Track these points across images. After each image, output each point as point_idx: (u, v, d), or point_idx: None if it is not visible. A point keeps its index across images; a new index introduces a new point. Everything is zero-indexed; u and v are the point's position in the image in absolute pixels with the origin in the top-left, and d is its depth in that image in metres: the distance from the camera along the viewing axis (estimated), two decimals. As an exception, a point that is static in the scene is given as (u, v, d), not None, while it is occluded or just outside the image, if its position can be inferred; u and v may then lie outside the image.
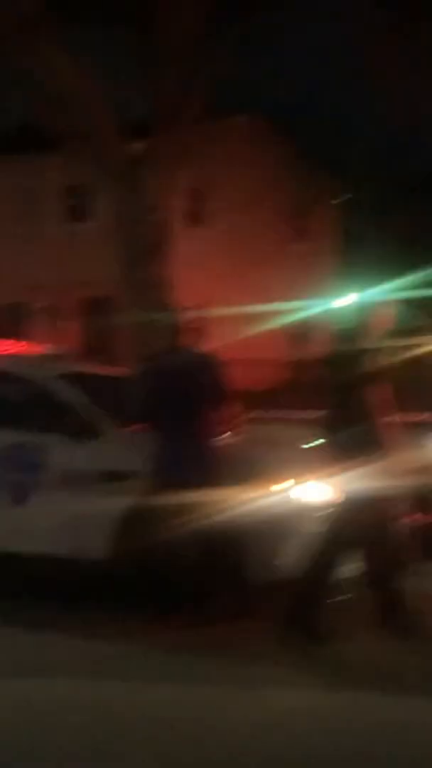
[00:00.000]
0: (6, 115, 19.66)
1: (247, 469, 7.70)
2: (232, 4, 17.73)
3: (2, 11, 16.00)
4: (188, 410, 7.57)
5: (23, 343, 10.42)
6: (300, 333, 30.99)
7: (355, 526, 7.07)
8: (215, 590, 7.55)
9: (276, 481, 7.61)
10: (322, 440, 7.48)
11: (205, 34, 17.15)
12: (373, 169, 41.56)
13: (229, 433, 7.93)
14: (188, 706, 5.85)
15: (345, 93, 45.37)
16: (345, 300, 8.13)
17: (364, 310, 7.47)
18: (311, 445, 9.19)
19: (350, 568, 7.49)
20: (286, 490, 7.61)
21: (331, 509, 7.33)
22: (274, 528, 7.50)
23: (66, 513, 8.00)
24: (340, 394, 7.25)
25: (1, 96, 18.55)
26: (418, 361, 7.31)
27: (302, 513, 7.59)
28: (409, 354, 7.18)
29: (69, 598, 8.17)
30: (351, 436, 7.08)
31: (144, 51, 17.71)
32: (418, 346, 7.42)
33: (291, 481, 7.64)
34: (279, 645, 6.94)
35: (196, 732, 5.46)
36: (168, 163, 17.66)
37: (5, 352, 9.49)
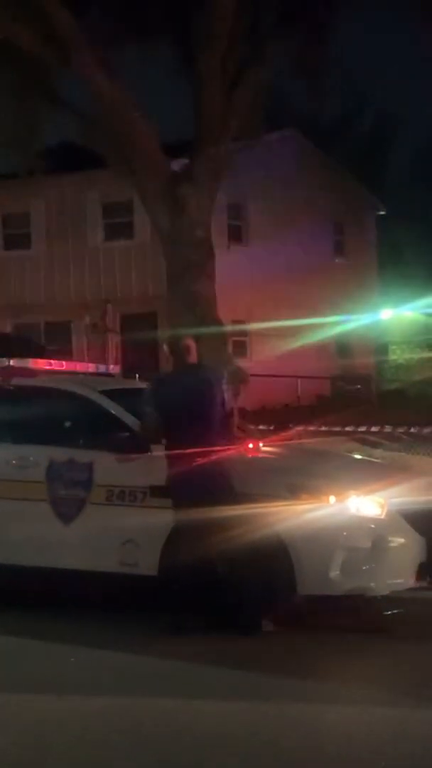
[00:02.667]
0: (48, 132, 19.84)
1: (301, 480, 7.76)
2: (271, 25, 17.87)
3: (48, 33, 16.22)
4: (191, 427, 7.65)
5: (71, 360, 10.53)
6: (342, 347, 31.00)
7: None
8: (263, 603, 7.60)
9: (332, 493, 7.62)
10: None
11: (245, 53, 17.28)
12: (412, 184, 41.62)
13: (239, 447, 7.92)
14: (238, 720, 5.91)
15: (384, 109, 45.41)
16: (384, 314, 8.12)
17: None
18: (363, 457, 9.25)
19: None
20: (342, 502, 7.61)
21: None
22: (330, 540, 7.52)
23: (115, 528, 8.07)
24: None
25: (44, 114, 18.72)
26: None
27: (358, 525, 7.61)
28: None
29: (114, 611, 8.26)
30: None
31: (185, 70, 17.87)
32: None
33: (349, 493, 7.64)
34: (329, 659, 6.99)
35: (266, 748, 5.51)
36: (209, 180, 17.78)
37: (55, 370, 9.59)
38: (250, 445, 8.03)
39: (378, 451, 11.00)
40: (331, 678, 6.65)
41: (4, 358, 9.24)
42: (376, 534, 7.55)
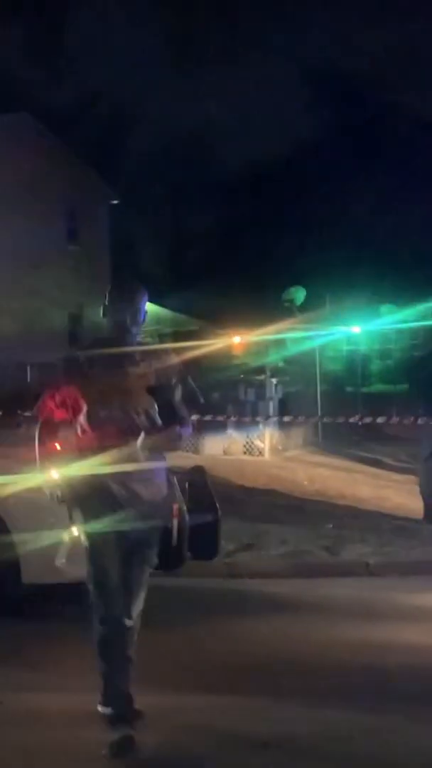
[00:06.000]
0: None
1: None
2: (7, 4, 17.52)
3: None
4: None
5: None
6: (74, 334, 30.85)
7: None
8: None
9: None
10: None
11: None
12: (145, 174, 41.98)
13: None
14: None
15: (120, 97, 45.52)
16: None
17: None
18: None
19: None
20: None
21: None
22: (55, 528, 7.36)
23: None
24: None
25: None
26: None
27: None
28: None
29: None
30: None
31: None
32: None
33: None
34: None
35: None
36: None
37: None
38: None
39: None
40: (56, 669, 6.55)
41: None
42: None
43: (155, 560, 5.46)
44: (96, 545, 5.21)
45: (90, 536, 5.23)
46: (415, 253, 32.83)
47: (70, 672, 6.43)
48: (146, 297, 5.39)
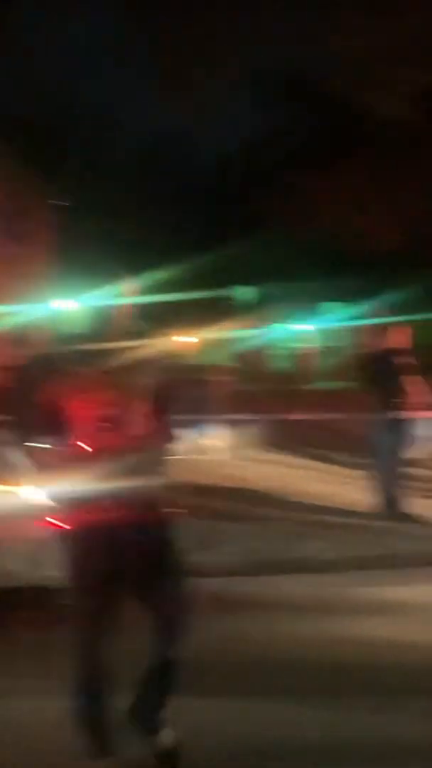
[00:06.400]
0: None
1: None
2: None
3: None
4: None
5: None
6: (15, 337, 30.54)
7: None
8: None
9: (3, 481, 7.34)
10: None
11: None
12: (91, 175, 41.75)
13: None
14: None
15: (64, 96, 45.32)
16: (66, 304, 7.51)
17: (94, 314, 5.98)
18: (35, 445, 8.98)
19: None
20: (14, 490, 7.33)
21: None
22: (8, 531, 7.22)
23: None
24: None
25: None
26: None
27: (33, 516, 7.32)
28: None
29: None
30: None
31: None
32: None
33: (20, 481, 7.34)
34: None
35: None
36: None
37: None
38: None
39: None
40: (5, 673, 6.41)
41: None
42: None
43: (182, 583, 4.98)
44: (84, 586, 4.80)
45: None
46: (362, 251, 32.94)
47: (24, 675, 6.28)
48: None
